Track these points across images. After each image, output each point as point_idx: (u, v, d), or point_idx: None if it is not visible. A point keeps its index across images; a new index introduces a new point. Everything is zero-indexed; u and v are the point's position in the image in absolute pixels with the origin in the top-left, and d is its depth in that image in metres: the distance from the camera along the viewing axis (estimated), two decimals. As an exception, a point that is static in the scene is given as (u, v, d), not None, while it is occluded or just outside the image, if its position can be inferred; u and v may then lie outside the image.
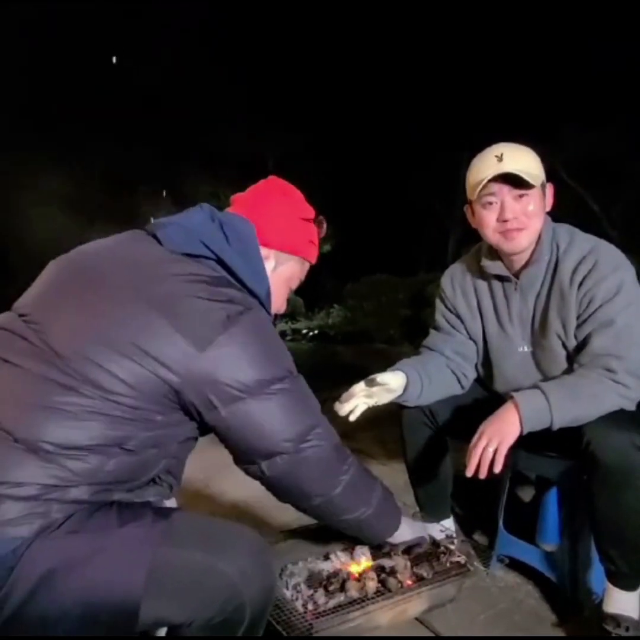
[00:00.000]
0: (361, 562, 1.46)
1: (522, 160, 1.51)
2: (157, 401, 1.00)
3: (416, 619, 1.55)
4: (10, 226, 8.85)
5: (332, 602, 1.35)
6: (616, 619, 1.41)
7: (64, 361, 0.96)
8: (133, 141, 9.96)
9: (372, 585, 1.32)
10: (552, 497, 1.78)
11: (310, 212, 1.30)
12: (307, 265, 1.36)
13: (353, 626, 1.24)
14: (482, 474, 1.37)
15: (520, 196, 1.50)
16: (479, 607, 1.69)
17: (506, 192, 1.50)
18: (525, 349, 1.64)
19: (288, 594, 1.42)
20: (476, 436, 1.41)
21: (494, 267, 1.63)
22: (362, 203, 10.25)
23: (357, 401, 1.62)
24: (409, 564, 1.38)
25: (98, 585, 0.90)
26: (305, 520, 2.23)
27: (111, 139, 10.00)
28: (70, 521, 0.93)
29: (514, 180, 1.48)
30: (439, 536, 1.60)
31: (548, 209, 1.58)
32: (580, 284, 1.49)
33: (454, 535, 1.57)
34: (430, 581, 1.36)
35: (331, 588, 1.35)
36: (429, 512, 1.83)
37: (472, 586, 1.73)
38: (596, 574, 1.57)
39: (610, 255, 1.50)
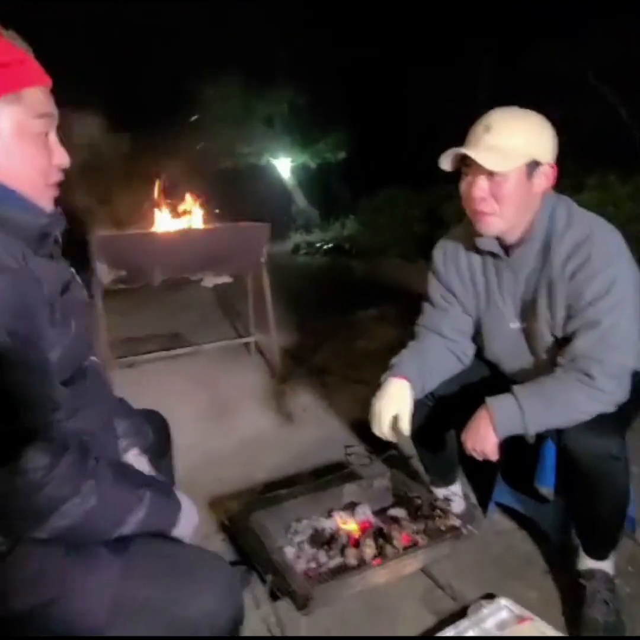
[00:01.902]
0: (360, 523, 1.56)
1: (508, 134, 1.38)
2: None
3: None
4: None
5: (333, 563, 1.47)
6: (590, 572, 1.53)
7: None
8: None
9: (369, 552, 1.42)
10: (550, 443, 1.83)
11: None
12: (30, 95, 0.95)
13: (353, 593, 1.34)
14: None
15: (493, 174, 1.39)
16: (474, 551, 1.79)
17: (480, 167, 1.38)
18: (516, 325, 1.61)
19: (292, 551, 1.54)
20: (465, 448, 1.49)
21: (486, 243, 1.54)
22: (377, 107, 9.70)
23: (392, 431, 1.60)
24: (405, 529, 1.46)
25: (61, 624, 0.91)
26: (301, 461, 2.41)
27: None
28: (15, 558, 0.92)
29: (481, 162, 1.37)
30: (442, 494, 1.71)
31: (541, 189, 1.44)
32: (571, 277, 1.42)
33: (451, 498, 1.65)
34: (424, 545, 1.45)
35: (331, 552, 1.45)
36: (437, 478, 1.91)
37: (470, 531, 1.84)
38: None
39: (605, 244, 1.40)
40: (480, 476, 2.08)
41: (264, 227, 3.26)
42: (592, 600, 1.47)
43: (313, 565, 1.49)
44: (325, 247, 8.73)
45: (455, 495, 1.89)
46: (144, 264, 2.99)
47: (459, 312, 1.71)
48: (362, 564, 1.40)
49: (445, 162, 1.46)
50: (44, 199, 1.01)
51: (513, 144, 1.38)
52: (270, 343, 3.56)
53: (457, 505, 1.84)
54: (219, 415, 2.98)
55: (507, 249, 1.54)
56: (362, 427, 2.79)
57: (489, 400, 1.45)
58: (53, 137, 1.01)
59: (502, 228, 1.47)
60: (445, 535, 1.49)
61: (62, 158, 1.02)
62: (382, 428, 1.56)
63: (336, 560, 1.47)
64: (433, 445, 1.83)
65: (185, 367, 3.60)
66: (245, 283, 3.64)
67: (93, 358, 1.25)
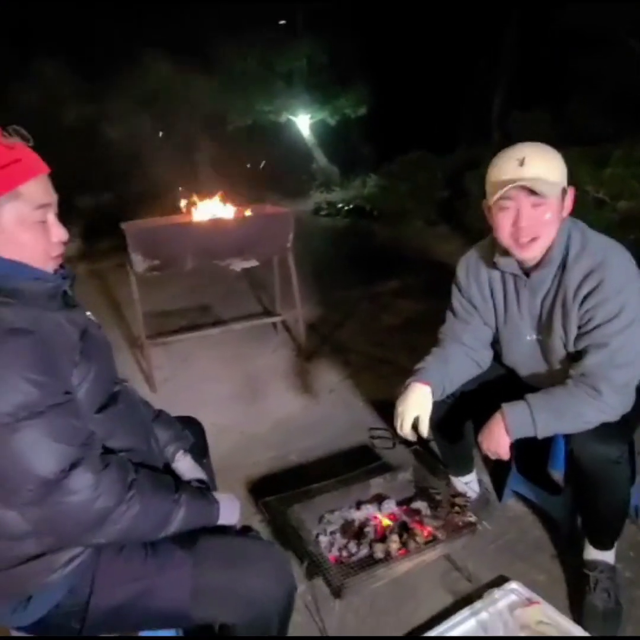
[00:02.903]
0: (386, 517, 1.75)
1: (543, 165, 1.48)
2: None
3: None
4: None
5: (362, 553, 1.66)
6: (593, 563, 1.70)
7: None
8: None
9: (394, 546, 1.60)
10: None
11: None
12: (28, 189, 1.09)
13: (382, 585, 1.53)
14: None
15: (537, 204, 1.49)
16: (489, 536, 1.97)
17: (523, 198, 1.49)
18: (533, 337, 1.73)
19: (325, 540, 1.74)
20: (480, 448, 1.64)
21: (506, 264, 1.67)
22: (398, 61, 9.41)
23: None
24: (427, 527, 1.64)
25: (154, 611, 1.17)
26: (330, 443, 2.59)
27: None
28: (101, 570, 1.15)
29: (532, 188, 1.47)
30: (461, 487, 1.88)
31: (566, 214, 1.57)
32: (583, 301, 1.53)
33: (468, 494, 1.81)
34: (443, 540, 1.64)
35: (361, 546, 1.65)
36: (453, 469, 2.08)
37: (487, 516, 2.01)
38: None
39: (617, 272, 1.50)
40: (497, 465, 2.25)
41: (290, 213, 3.37)
42: (594, 589, 1.65)
43: (344, 553, 1.69)
44: (346, 208, 8.70)
45: (471, 483, 2.08)
46: (176, 253, 3.12)
47: (479, 324, 1.83)
48: (388, 557, 1.59)
49: (492, 199, 1.53)
50: (48, 268, 1.16)
51: (550, 173, 1.49)
52: (296, 324, 3.71)
53: (472, 492, 2.02)
54: (251, 395, 3.18)
55: (526, 271, 1.65)
56: (386, 408, 2.96)
57: (505, 406, 1.59)
58: (51, 218, 1.15)
59: (542, 249, 1.58)
60: (462, 530, 1.66)
61: (60, 235, 1.17)
62: (404, 429, 1.70)
63: (365, 551, 1.66)
64: (452, 438, 1.98)
65: (216, 343, 3.78)
66: (271, 259, 3.76)
67: (125, 383, 1.41)
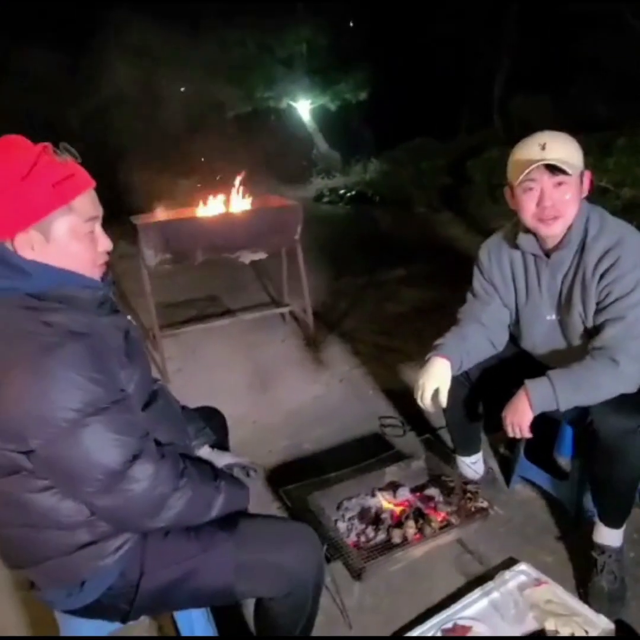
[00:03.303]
0: (401, 503, 1.83)
1: (563, 150, 1.62)
2: None
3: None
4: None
5: (379, 538, 1.75)
6: (602, 547, 1.77)
7: None
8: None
9: (411, 532, 1.69)
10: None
11: (28, 158, 1.08)
12: (79, 203, 1.14)
13: (398, 568, 1.62)
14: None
15: (559, 184, 1.62)
16: (500, 519, 2.05)
17: (546, 180, 1.62)
18: (552, 317, 1.83)
19: (344, 525, 1.83)
20: (503, 423, 1.71)
21: (528, 245, 1.77)
22: (399, 45, 9.35)
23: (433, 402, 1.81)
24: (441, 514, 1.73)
25: (202, 588, 1.26)
26: (343, 432, 2.67)
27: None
28: (149, 554, 1.24)
29: (554, 169, 1.59)
30: (470, 473, 1.96)
31: (584, 195, 1.69)
32: (601, 277, 1.64)
33: (478, 480, 1.90)
34: (457, 525, 1.72)
35: (379, 531, 1.73)
36: (461, 449, 2.16)
37: (495, 497, 2.09)
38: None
39: (633, 250, 1.62)
40: (507, 450, 2.34)
41: (299, 206, 3.42)
42: (601, 571, 1.73)
43: (362, 539, 1.77)
44: (348, 194, 8.70)
45: (476, 463, 2.17)
46: (187, 247, 3.19)
47: (498, 305, 1.93)
48: (404, 541, 1.68)
49: (516, 181, 1.65)
50: (95, 275, 1.24)
51: (570, 156, 1.62)
52: (304, 313, 3.77)
53: (475, 473, 2.12)
54: (262, 386, 3.25)
55: (546, 251, 1.76)
56: (395, 397, 3.04)
57: (528, 382, 1.67)
58: (98, 229, 1.23)
59: (564, 227, 1.69)
60: (475, 515, 1.75)
61: (105, 245, 1.24)
62: (424, 400, 1.79)
63: (382, 536, 1.75)
64: (465, 416, 2.05)
65: (225, 334, 3.83)
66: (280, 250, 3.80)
67: (159, 382, 1.49)
